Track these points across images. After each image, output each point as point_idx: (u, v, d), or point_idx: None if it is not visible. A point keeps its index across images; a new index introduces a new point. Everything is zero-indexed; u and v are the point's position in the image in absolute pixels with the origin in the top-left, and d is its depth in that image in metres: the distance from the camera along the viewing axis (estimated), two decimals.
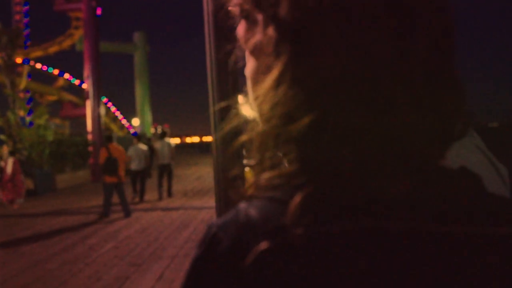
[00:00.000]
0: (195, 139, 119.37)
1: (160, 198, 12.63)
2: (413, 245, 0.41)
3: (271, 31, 0.49)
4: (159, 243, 7.24)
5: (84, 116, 23.64)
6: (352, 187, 0.43)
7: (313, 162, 0.45)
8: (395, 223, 0.42)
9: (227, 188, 1.75)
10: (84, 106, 23.76)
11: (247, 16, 0.54)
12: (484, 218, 0.43)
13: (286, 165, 0.48)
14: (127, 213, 9.84)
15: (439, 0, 0.48)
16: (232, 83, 1.73)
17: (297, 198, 0.43)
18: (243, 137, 0.53)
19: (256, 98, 0.51)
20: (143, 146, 12.41)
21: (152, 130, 39.71)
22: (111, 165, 9.57)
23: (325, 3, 0.44)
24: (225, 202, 1.78)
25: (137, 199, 12.36)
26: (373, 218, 0.42)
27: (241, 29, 0.56)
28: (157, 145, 12.77)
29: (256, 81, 0.54)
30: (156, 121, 47.81)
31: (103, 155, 9.67)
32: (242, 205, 0.47)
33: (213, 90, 1.74)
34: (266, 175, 0.49)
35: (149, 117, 41.09)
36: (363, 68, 0.44)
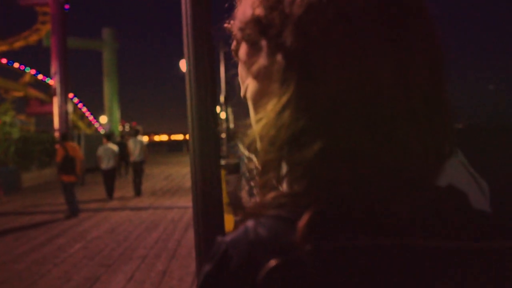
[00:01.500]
0: (164, 138, 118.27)
1: (135, 193, 12.84)
2: (417, 259, 0.44)
3: (277, 58, 0.50)
4: (129, 243, 7.17)
5: (51, 113, 23.19)
6: (356, 206, 0.45)
7: (319, 183, 0.47)
8: (399, 239, 0.44)
9: (205, 188, 1.77)
10: (51, 103, 23.27)
11: (251, 41, 0.55)
12: (473, 233, 0.47)
13: (286, 184, 0.50)
14: (74, 213, 9.76)
15: (431, 20, 0.51)
16: (211, 85, 1.75)
17: (305, 217, 0.44)
18: (249, 165, 0.54)
19: (258, 120, 0.52)
20: (112, 146, 12.36)
21: (120, 128, 39.18)
22: (68, 163, 9.51)
23: (329, 31, 0.46)
24: (202, 202, 1.78)
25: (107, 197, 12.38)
26: (378, 234, 0.44)
27: (243, 52, 0.58)
28: (130, 143, 12.89)
29: (259, 104, 0.55)
30: (124, 118, 47.12)
31: (60, 153, 9.58)
32: (250, 223, 0.48)
33: (191, 90, 1.74)
34: (272, 194, 0.50)
35: (117, 114, 40.37)
36: (367, 93, 0.46)
